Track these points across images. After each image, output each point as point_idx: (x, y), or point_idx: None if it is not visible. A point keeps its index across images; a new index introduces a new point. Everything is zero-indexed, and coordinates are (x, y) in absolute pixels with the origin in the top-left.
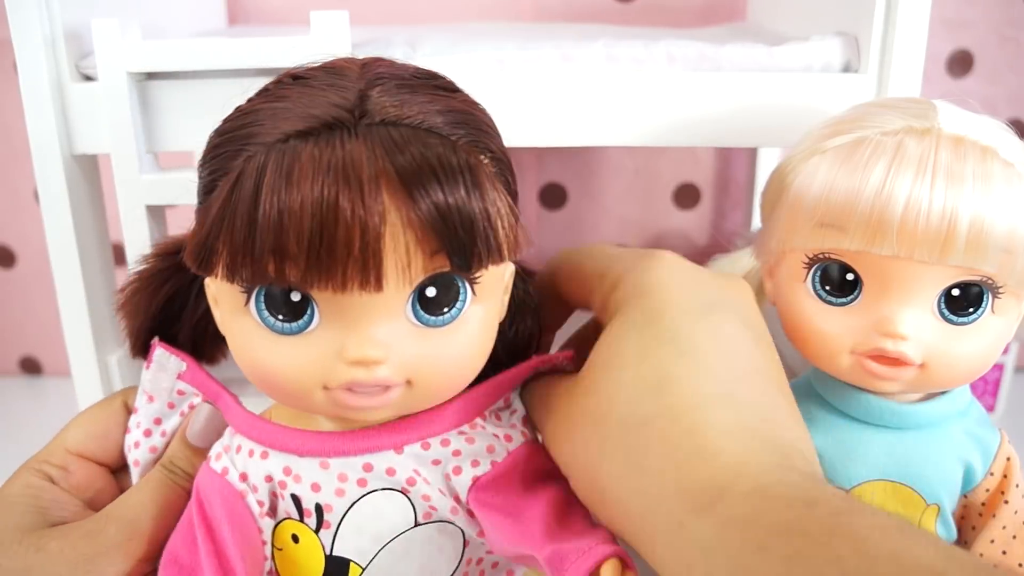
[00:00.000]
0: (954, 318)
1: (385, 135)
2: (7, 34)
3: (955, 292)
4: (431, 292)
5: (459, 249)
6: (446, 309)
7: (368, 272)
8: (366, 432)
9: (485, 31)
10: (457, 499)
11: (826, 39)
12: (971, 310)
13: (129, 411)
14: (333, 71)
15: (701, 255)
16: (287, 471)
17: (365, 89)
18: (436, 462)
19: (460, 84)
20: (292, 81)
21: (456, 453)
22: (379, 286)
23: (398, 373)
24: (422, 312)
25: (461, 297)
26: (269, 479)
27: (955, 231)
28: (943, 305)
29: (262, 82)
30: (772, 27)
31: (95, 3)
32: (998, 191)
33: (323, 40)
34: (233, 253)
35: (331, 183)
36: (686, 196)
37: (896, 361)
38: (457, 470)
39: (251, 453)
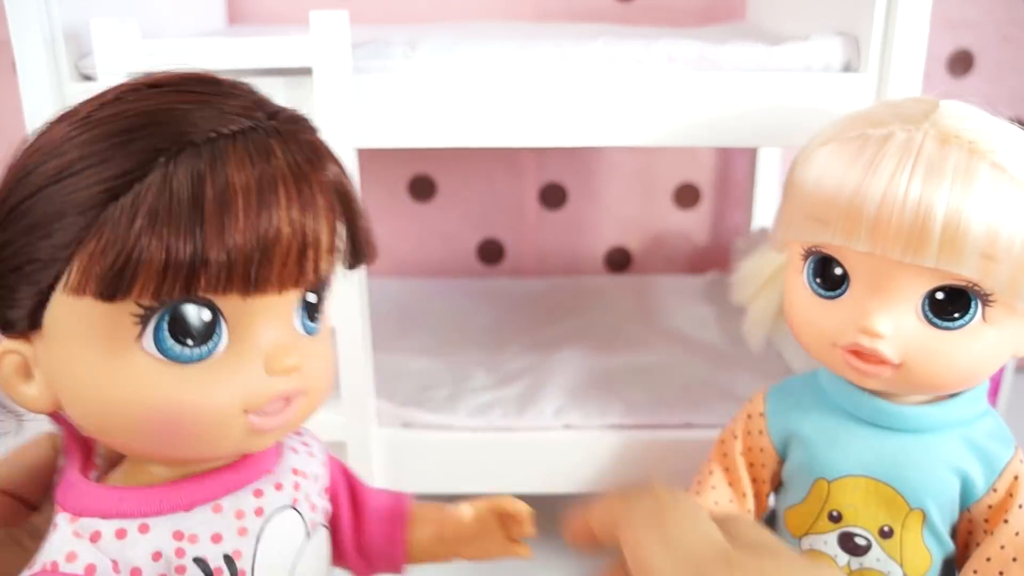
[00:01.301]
0: (939, 321)
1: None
2: (6, 34)
3: (939, 295)
4: (313, 298)
5: (356, 237)
6: (317, 316)
7: (304, 268)
8: (249, 459)
9: (485, 31)
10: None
11: (826, 39)
12: (957, 315)
13: (57, 451)
14: (204, 81)
15: (701, 255)
16: (179, 536)
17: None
18: (310, 453)
19: (463, 83)
20: (153, 88)
21: (294, 450)
22: (315, 280)
23: (304, 381)
24: (307, 320)
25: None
26: (158, 556)
27: (929, 225)
28: (927, 308)
29: (262, 82)
30: (772, 27)
31: (95, 3)
32: (980, 190)
33: (323, 39)
34: (171, 263)
35: (270, 190)
36: (686, 196)
37: (872, 358)
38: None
39: (121, 533)
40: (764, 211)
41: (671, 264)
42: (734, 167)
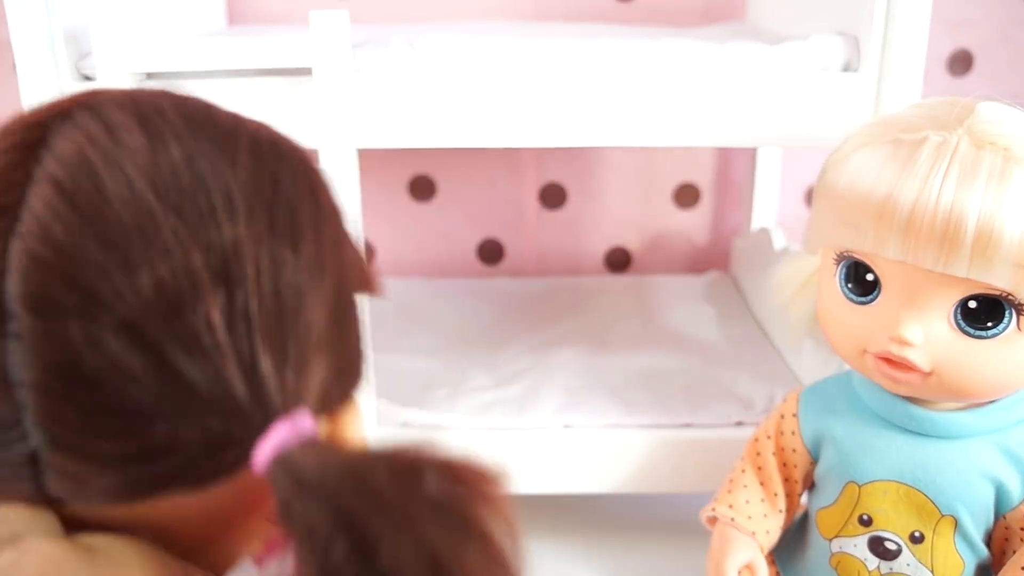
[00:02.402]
0: (971, 330)
1: None
2: (6, 34)
3: (972, 304)
4: None
5: None
6: None
7: None
8: None
9: (485, 31)
10: None
11: (825, 38)
12: (990, 324)
13: None
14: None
15: (701, 255)
16: None
17: None
18: None
19: (463, 83)
20: None
21: None
22: None
23: None
24: None
25: None
26: None
27: (960, 232)
28: (959, 316)
29: (262, 82)
30: (771, 26)
31: (95, 3)
32: (1015, 197)
33: (322, 39)
34: None
35: None
36: (686, 196)
37: (902, 365)
38: None
39: None
40: (764, 211)
41: (671, 264)
42: (734, 167)
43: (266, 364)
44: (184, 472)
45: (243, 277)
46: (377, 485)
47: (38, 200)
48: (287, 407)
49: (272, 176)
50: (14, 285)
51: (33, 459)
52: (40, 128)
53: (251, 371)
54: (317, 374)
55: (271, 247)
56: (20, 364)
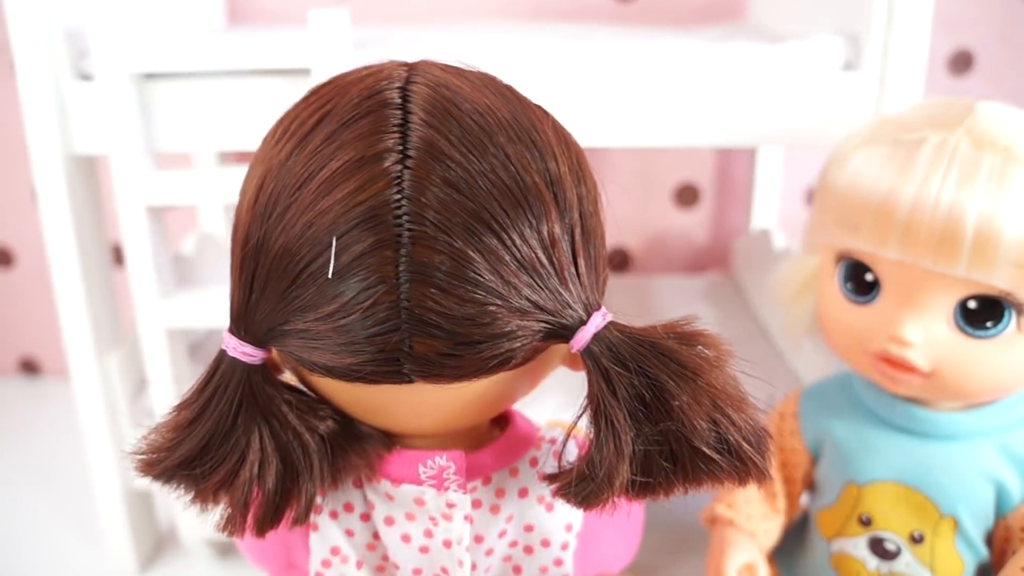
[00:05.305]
0: (971, 330)
1: None
2: (4, 34)
3: (972, 304)
4: None
5: None
6: None
7: None
8: None
9: (484, 31)
10: None
11: (826, 37)
12: (989, 324)
13: None
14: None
15: (701, 255)
16: None
17: None
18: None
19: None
20: None
21: None
22: None
23: None
24: None
25: None
26: None
27: (960, 232)
28: (959, 316)
29: (262, 82)
30: (772, 26)
31: (94, 3)
32: (1014, 197)
33: (321, 38)
34: None
35: None
36: (686, 196)
37: (901, 366)
38: None
39: None
40: (764, 211)
41: (671, 264)
42: (734, 167)
43: (582, 270)
44: (518, 353)
45: (566, 201)
46: (667, 348)
47: (417, 139)
48: (596, 303)
49: (563, 134)
50: (407, 204)
51: (401, 345)
52: (399, 90)
53: (575, 276)
54: (601, 282)
55: (575, 183)
56: (406, 269)
